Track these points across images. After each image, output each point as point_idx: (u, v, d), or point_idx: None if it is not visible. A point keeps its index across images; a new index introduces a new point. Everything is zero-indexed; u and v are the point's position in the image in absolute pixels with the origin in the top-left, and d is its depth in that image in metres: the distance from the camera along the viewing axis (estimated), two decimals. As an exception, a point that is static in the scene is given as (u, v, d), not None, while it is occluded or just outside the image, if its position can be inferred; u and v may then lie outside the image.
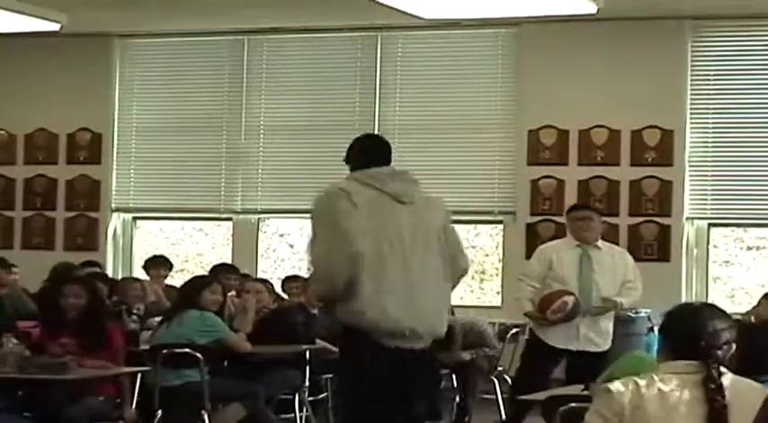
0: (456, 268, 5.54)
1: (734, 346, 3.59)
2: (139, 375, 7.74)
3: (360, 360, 5.34)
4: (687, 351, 3.51)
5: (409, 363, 5.31)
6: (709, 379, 3.43)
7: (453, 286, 5.68)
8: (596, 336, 7.98)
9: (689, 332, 3.53)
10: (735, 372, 3.58)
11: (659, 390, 3.45)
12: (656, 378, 3.52)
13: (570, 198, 11.32)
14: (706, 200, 11.17)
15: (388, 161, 5.55)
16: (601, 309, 8.02)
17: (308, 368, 8.71)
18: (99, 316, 7.70)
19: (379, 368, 5.29)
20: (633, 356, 5.28)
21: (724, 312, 3.65)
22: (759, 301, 9.57)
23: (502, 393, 9.21)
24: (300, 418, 8.66)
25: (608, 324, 8.08)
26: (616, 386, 3.50)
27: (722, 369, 3.48)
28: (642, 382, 3.51)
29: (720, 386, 3.42)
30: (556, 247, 8.40)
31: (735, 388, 3.45)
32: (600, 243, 8.21)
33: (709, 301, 11.10)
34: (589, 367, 7.65)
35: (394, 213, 5.37)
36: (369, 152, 5.57)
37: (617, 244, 11.12)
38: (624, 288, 8.12)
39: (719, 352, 3.51)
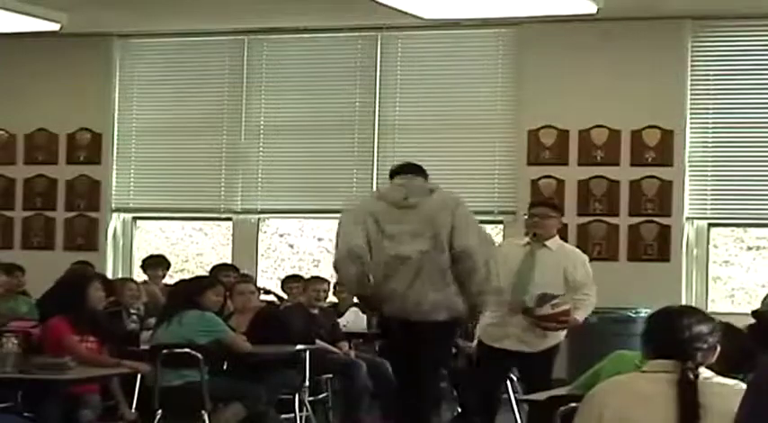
0: (458, 265, 6.79)
1: (718, 347, 3.62)
2: (139, 375, 7.76)
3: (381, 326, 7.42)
4: (666, 352, 3.55)
5: (406, 330, 6.82)
6: (684, 379, 3.45)
7: (466, 276, 6.79)
8: (528, 336, 7.70)
9: (667, 335, 3.58)
10: (720, 373, 3.60)
11: (637, 388, 3.50)
12: (635, 376, 3.59)
13: (570, 198, 11.34)
14: (706, 200, 11.17)
15: (399, 175, 7.07)
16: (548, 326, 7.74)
17: (307, 368, 8.70)
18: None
19: (386, 332, 7.24)
20: (615, 355, 5.31)
21: (705, 315, 3.69)
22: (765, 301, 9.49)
23: (515, 393, 9.17)
24: (300, 418, 8.65)
25: None
26: (594, 389, 3.57)
27: (701, 370, 3.50)
28: (622, 380, 3.57)
29: (694, 386, 3.44)
30: (508, 243, 8.52)
31: (712, 388, 3.47)
32: (551, 242, 7.94)
33: (709, 300, 11.12)
34: (526, 367, 7.82)
35: (389, 215, 6.85)
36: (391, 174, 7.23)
37: (617, 244, 11.18)
38: (580, 298, 7.82)
39: (699, 353, 3.54)
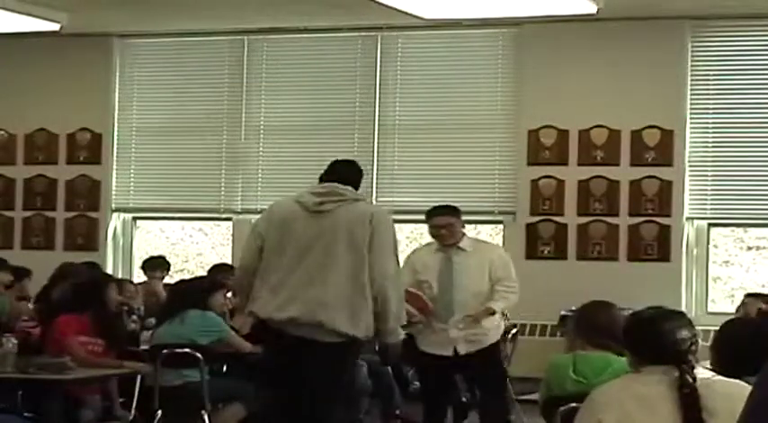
0: (373, 275, 6.12)
1: (699, 343, 3.64)
2: (139, 375, 7.77)
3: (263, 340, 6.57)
4: (659, 359, 3.54)
5: (295, 347, 6.12)
6: (683, 383, 3.45)
7: (380, 291, 6.14)
8: (474, 335, 7.71)
9: (653, 344, 3.58)
10: (720, 374, 3.60)
11: (636, 390, 3.49)
12: (632, 379, 3.58)
13: (570, 198, 11.33)
14: (706, 200, 11.17)
15: (329, 180, 6.49)
16: (471, 318, 7.69)
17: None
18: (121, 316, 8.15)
19: (269, 348, 6.43)
20: (550, 366, 5.34)
21: (679, 315, 3.71)
22: (744, 301, 9.50)
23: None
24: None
25: (488, 322, 7.76)
26: (593, 393, 3.56)
27: (702, 372, 3.50)
28: (620, 383, 3.57)
29: (694, 389, 3.43)
30: (420, 252, 8.13)
31: (714, 389, 3.46)
32: (464, 243, 7.87)
33: (709, 300, 11.12)
34: (479, 365, 7.73)
35: (304, 220, 6.26)
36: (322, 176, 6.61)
37: (617, 244, 11.17)
38: (498, 290, 7.77)
39: (690, 356, 3.55)
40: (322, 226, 6.23)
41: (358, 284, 6.16)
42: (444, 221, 7.90)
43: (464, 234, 8.00)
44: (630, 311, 9.17)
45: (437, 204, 8.21)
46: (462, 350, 7.76)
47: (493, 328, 7.88)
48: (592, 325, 5.25)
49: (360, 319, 6.17)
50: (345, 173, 6.61)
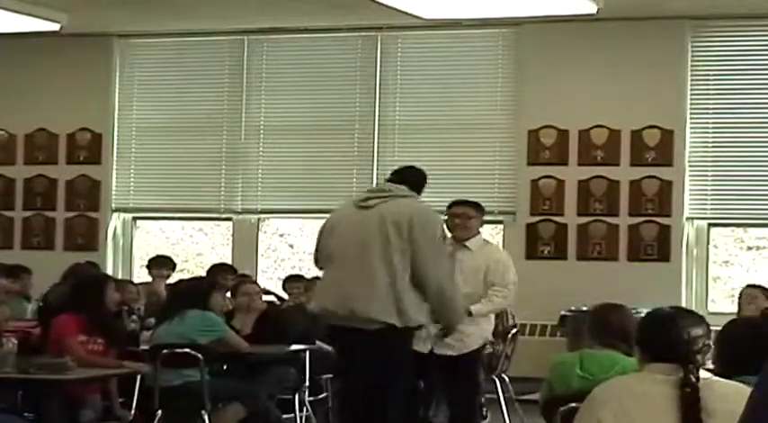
0: (419, 276, 6.30)
1: (712, 346, 3.64)
2: (139, 375, 7.77)
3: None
4: (665, 357, 3.54)
5: (347, 339, 6.39)
6: (686, 382, 3.45)
7: (437, 287, 6.37)
8: (450, 338, 7.44)
9: (665, 340, 3.57)
10: (720, 374, 3.60)
11: (637, 389, 3.50)
12: (635, 377, 3.58)
13: (570, 198, 11.34)
14: (706, 200, 11.17)
15: (392, 181, 6.70)
16: None
17: (307, 368, 8.70)
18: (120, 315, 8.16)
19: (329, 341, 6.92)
20: (554, 365, 5.33)
21: (697, 316, 3.70)
22: (744, 292, 9.44)
23: (503, 393, 9.19)
24: (300, 418, 8.65)
25: (468, 326, 7.52)
26: (594, 391, 3.56)
27: (701, 372, 3.50)
28: (622, 381, 3.57)
29: (696, 389, 3.44)
30: None
31: (713, 390, 3.46)
32: (472, 242, 7.80)
33: (709, 300, 11.12)
34: (448, 370, 7.55)
35: (351, 216, 6.49)
36: None
37: (617, 244, 11.17)
38: (488, 293, 7.70)
39: (698, 356, 3.55)
40: (362, 220, 6.42)
41: (394, 276, 6.28)
42: (460, 211, 7.90)
43: (479, 233, 7.95)
44: (633, 311, 9.19)
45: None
46: (438, 350, 7.67)
47: (474, 334, 7.69)
48: (604, 325, 5.28)
49: (397, 309, 6.28)
50: (405, 174, 6.77)
